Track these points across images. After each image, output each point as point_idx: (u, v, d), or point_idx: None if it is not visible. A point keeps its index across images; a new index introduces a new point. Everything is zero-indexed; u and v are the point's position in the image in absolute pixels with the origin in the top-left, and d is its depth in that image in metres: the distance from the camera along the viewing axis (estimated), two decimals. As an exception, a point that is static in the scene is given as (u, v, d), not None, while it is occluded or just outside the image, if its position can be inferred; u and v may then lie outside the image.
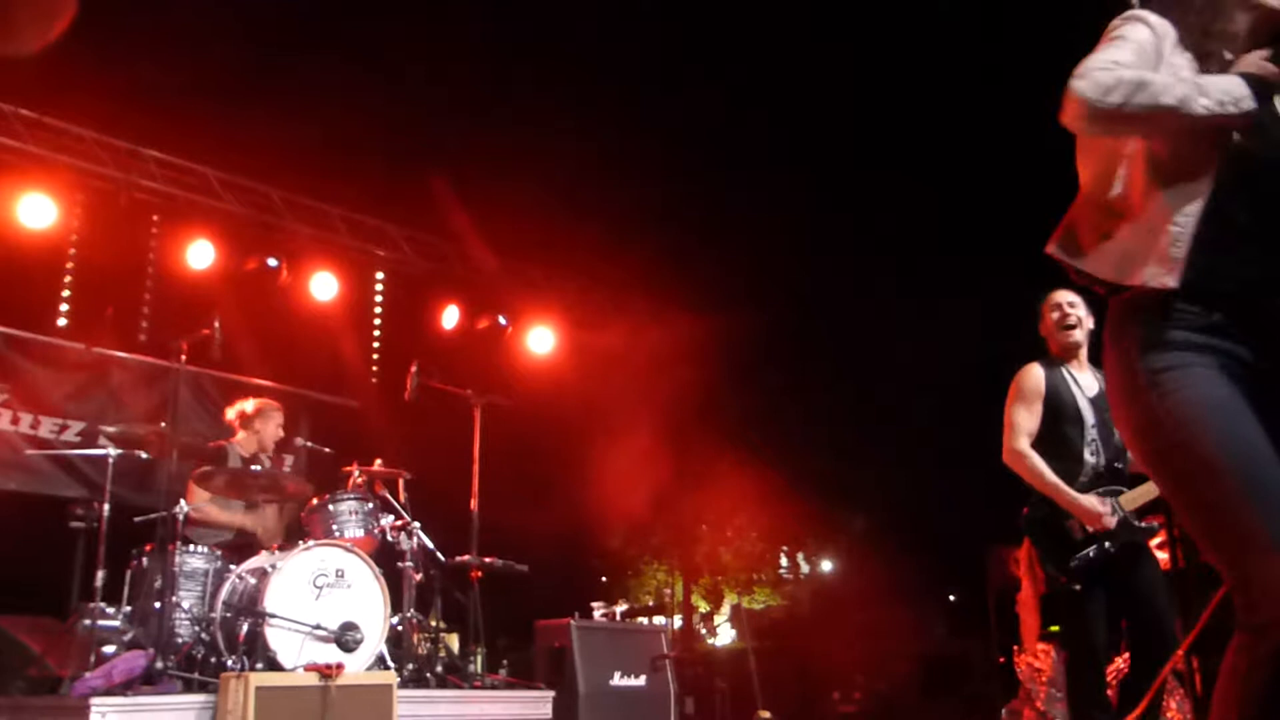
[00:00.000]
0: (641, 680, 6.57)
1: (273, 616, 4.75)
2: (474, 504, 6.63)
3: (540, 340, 10.13)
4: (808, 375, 15.47)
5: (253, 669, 4.62)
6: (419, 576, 6.03)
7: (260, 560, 5.21)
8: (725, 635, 22.66)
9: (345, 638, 4.92)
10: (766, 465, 14.87)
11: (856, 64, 13.63)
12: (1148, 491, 3.81)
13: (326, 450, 6.64)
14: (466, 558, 6.39)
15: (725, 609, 22.64)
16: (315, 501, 5.76)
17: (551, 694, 5.92)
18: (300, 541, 5.25)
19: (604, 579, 22.02)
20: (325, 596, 4.99)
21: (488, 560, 6.43)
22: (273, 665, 4.69)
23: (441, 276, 9.83)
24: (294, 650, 4.77)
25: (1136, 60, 2.03)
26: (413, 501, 6.39)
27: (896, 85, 13.69)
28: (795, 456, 15.79)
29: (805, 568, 24.60)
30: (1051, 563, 3.85)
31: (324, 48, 10.68)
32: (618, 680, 6.45)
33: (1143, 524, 3.81)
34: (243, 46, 9.88)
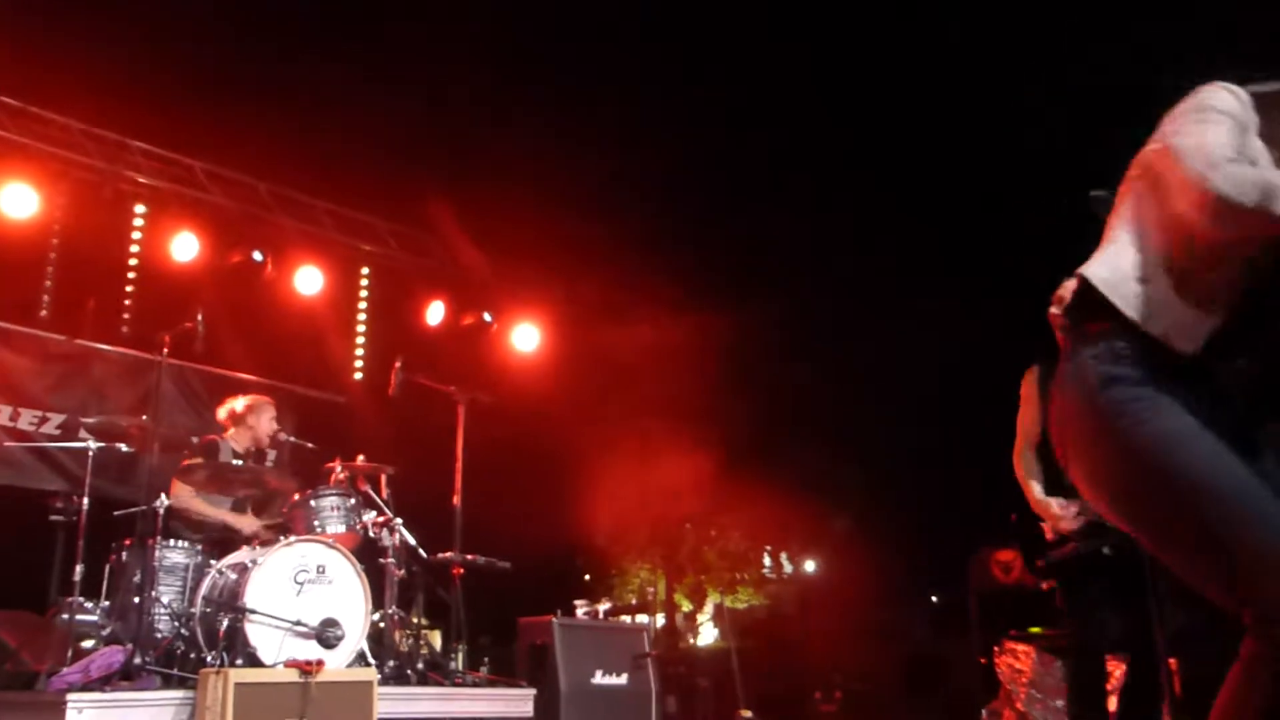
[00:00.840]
0: (623, 679, 6.57)
1: (253, 612, 4.72)
2: (457, 500, 6.62)
3: (525, 338, 10.11)
4: (795, 375, 15.49)
5: (232, 665, 4.60)
6: (401, 573, 6.01)
7: (241, 555, 5.18)
8: (708, 634, 22.69)
9: (326, 634, 4.90)
10: (751, 464, 14.90)
11: (843, 69, 13.66)
12: None
13: (310, 445, 6.61)
14: (449, 554, 6.37)
15: (708, 608, 22.67)
16: (298, 497, 5.73)
17: (533, 692, 5.90)
18: (282, 537, 5.23)
19: (587, 577, 22.04)
20: (306, 592, 4.97)
21: (470, 557, 6.42)
22: (253, 661, 4.67)
23: (427, 272, 9.79)
24: (274, 646, 4.75)
25: (1233, 140, 2.01)
26: (396, 498, 6.37)
27: (873, 89, 13.71)
28: (781, 456, 15.84)
29: (789, 567, 24.65)
30: (1025, 562, 3.98)
31: (314, 42, 10.66)
32: (599, 678, 6.44)
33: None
34: (232, 39, 9.85)
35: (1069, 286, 2.19)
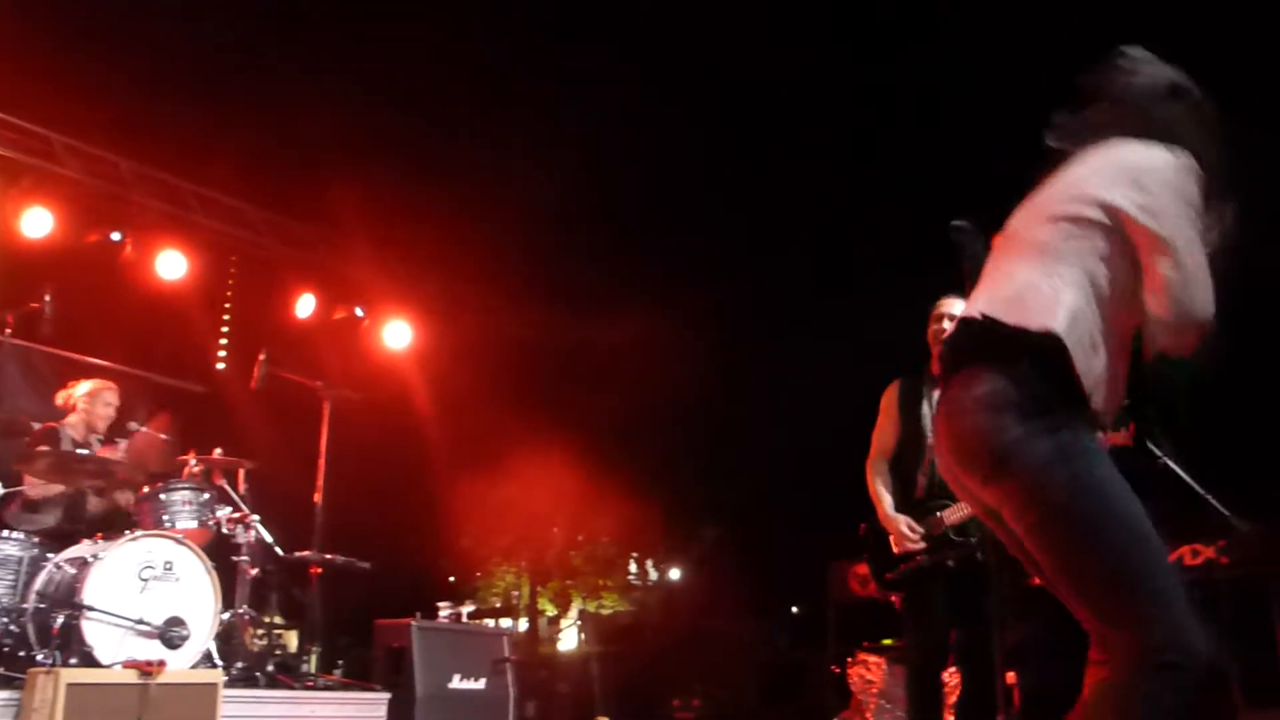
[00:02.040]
0: (481, 683, 6.51)
1: (91, 609, 4.51)
2: (318, 498, 6.46)
3: (397, 335, 9.92)
4: (668, 382, 15.62)
5: (66, 664, 4.39)
6: (254, 571, 5.84)
7: (81, 549, 4.95)
8: (571, 640, 22.68)
9: (170, 633, 4.72)
10: (622, 471, 14.97)
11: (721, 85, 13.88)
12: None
13: (163, 436, 6.35)
14: (307, 553, 6.22)
15: (573, 613, 22.67)
16: (147, 489, 5.51)
17: (387, 696, 5.80)
18: (128, 531, 5.01)
19: (452, 579, 21.77)
20: (151, 590, 4.78)
21: (328, 556, 6.28)
22: (88, 661, 4.46)
23: (299, 263, 9.53)
24: (113, 645, 4.55)
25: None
26: (254, 494, 6.18)
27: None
28: (651, 464, 15.96)
29: (654, 574, 24.85)
30: (872, 575, 4.02)
31: (189, 14, 10.25)
32: (457, 683, 6.37)
33: (965, 539, 3.92)
34: (100, 3, 9.40)
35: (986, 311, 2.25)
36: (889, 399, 4.12)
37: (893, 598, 4.02)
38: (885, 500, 3.97)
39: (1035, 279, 2.22)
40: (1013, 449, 2.11)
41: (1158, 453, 3.09)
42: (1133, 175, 2.21)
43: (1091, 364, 2.17)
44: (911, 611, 3.93)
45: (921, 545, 3.88)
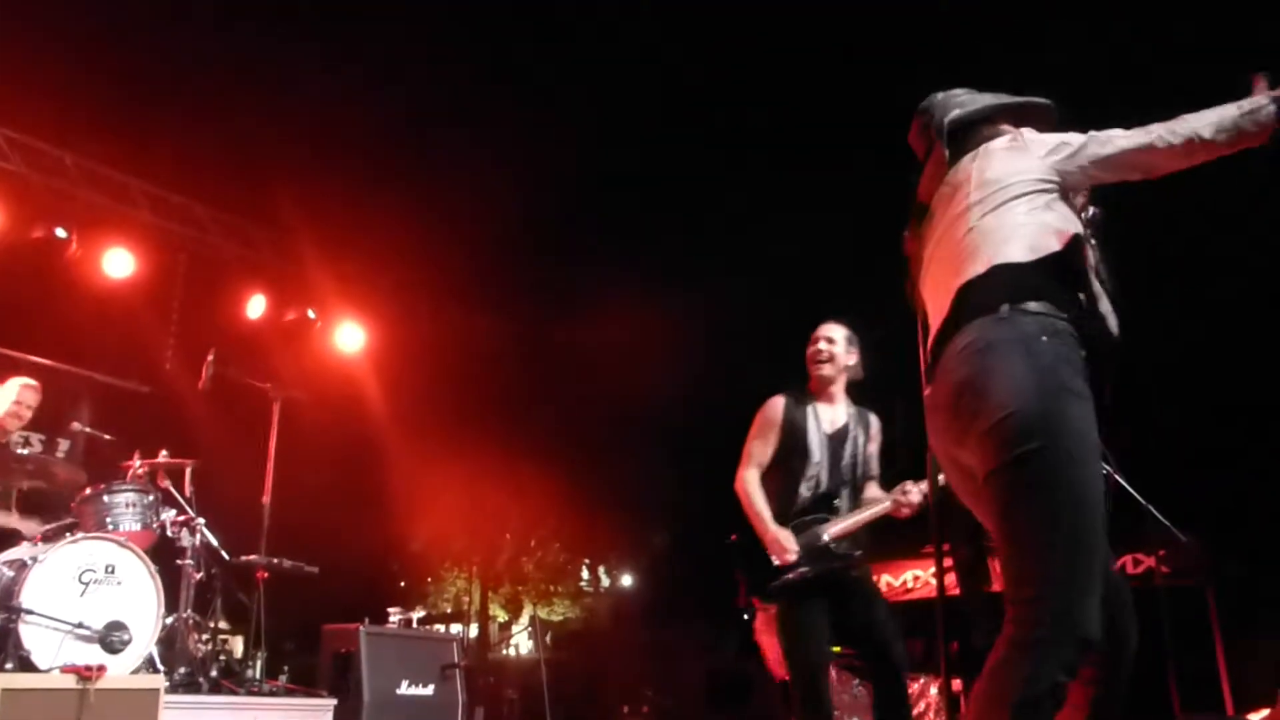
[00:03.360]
0: (430, 689, 6.45)
1: (29, 612, 4.41)
2: (266, 500, 6.37)
3: (350, 337, 9.83)
4: (618, 391, 15.62)
5: (2, 669, 4.28)
6: (199, 575, 5.74)
7: (20, 552, 4.84)
8: (522, 645, 22.57)
9: (110, 638, 4.63)
10: (574, 477, 14.94)
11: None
12: (854, 522, 4.02)
13: (106, 437, 6.23)
14: (253, 557, 6.13)
15: (524, 619, 22.57)
16: (89, 491, 5.39)
17: (333, 702, 5.73)
18: (68, 533, 4.91)
19: (402, 584, 21.57)
20: (92, 593, 4.68)
21: (275, 560, 6.19)
22: (25, 665, 4.36)
23: (249, 263, 9.41)
24: (51, 650, 4.45)
25: None
26: (201, 497, 6.08)
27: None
28: (603, 469, 15.94)
29: (606, 581, 24.81)
30: (749, 587, 4.05)
31: (137, 6, 10.07)
32: (405, 689, 6.31)
33: (845, 552, 4.00)
34: (46, -3, 9.21)
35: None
36: (771, 413, 4.17)
37: (770, 607, 4.06)
38: (766, 512, 4.02)
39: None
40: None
41: (1103, 464, 3.16)
42: None
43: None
44: (790, 624, 3.96)
45: (800, 558, 3.92)
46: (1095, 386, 2.24)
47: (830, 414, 4.15)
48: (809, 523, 4.01)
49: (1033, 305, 2.22)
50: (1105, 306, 2.32)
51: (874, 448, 4.24)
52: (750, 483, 4.09)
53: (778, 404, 4.17)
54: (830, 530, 4.00)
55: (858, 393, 4.27)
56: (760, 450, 4.14)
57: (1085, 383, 2.19)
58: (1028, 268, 2.27)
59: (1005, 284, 2.26)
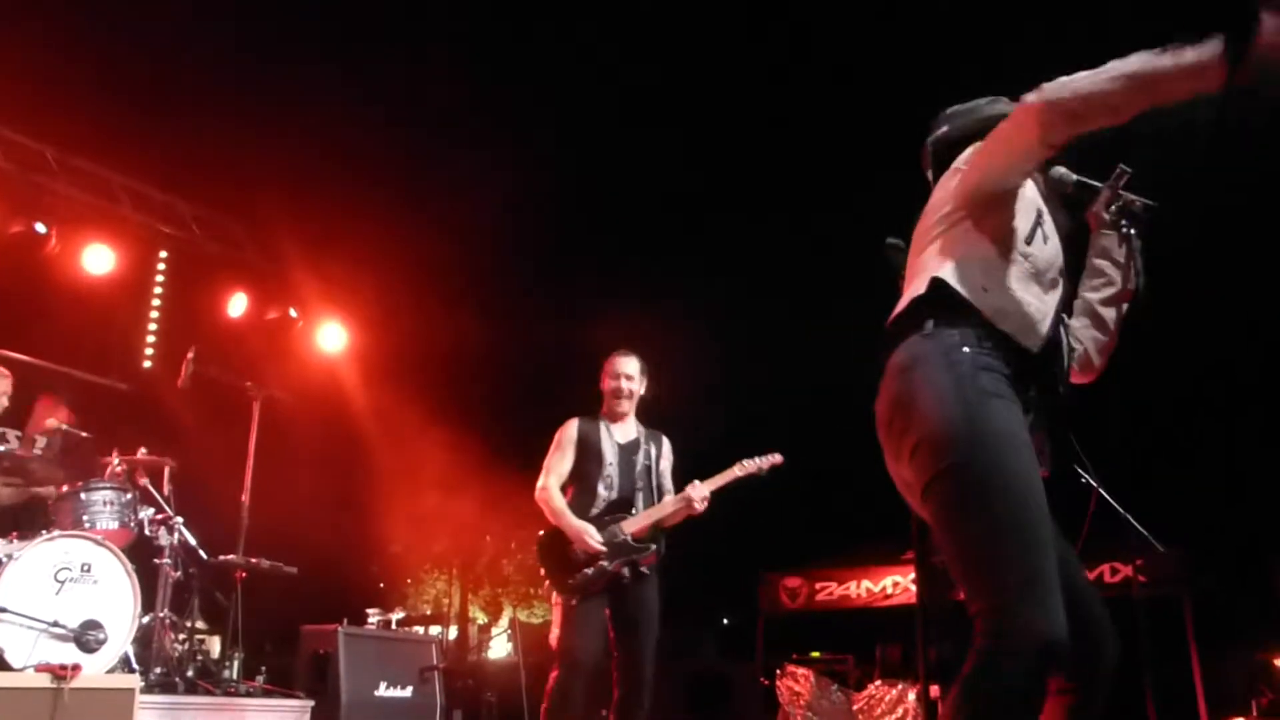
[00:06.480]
0: (408, 691, 6.44)
1: (3, 611, 4.38)
2: (245, 500, 6.34)
3: (332, 337, 9.79)
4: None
5: (-27, 668, 4.25)
6: (177, 574, 5.71)
7: (-6, 549, 4.79)
8: (501, 648, 22.51)
9: (86, 637, 4.61)
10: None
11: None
12: (647, 517, 4.53)
13: (84, 434, 6.18)
14: (231, 557, 6.09)
15: (504, 621, 22.51)
16: (66, 489, 5.36)
17: (311, 703, 5.71)
18: (44, 531, 4.87)
19: (382, 585, 21.48)
20: (68, 592, 4.66)
21: (254, 560, 6.16)
22: (-1, 664, 4.33)
23: (231, 261, 9.37)
24: (25, 649, 4.43)
25: None
26: (179, 495, 6.05)
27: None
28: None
29: (586, 584, 24.75)
30: (553, 582, 4.48)
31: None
32: (383, 690, 6.30)
33: (640, 544, 4.48)
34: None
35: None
36: (568, 430, 4.66)
37: (559, 601, 4.45)
38: (567, 511, 4.48)
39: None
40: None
41: (1081, 473, 3.17)
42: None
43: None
44: (578, 615, 4.37)
45: (604, 549, 4.39)
46: (1042, 390, 2.29)
47: (621, 429, 4.69)
48: (609, 521, 4.50)
49: (957, 319, 2.25)
50: (1042, 308, 2.31)
51: (666, 464, 4.75)
52: (550, 489, 4.58)
53: (573, 423, 4.68)
54: (629, 526, 4.48)
55: None
56: (559, 463, 4.64)
57: (1010, 386, 2.19)
58: (955, 284, 2.28)
59: (932, 301, 2.29)
